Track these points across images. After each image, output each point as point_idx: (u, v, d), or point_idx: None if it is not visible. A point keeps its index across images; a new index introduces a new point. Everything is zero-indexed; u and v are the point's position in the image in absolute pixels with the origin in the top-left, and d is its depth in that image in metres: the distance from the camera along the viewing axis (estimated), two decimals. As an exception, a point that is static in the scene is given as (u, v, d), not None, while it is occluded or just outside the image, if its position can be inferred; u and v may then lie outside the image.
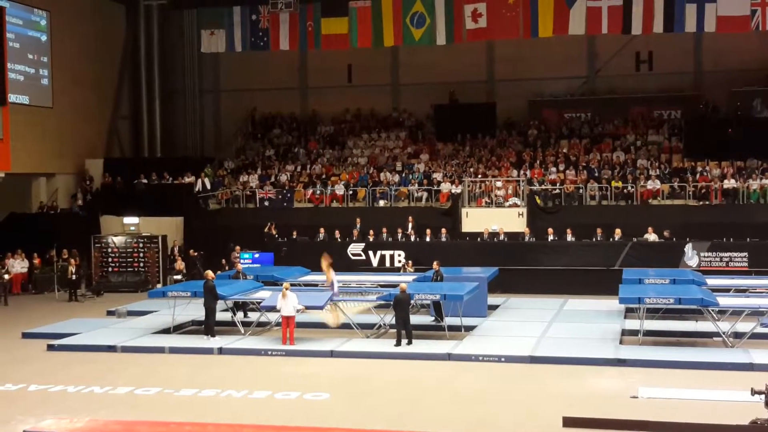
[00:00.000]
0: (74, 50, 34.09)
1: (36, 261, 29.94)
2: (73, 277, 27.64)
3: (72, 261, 27.91)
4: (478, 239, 28.27)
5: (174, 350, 19.11)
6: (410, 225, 29.03)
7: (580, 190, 29.56)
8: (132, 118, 38.16)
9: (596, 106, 34.54)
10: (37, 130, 31.92)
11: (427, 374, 16.92)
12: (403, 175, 32.11)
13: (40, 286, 29.48)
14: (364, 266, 27.73)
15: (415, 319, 20.26)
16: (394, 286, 20.58)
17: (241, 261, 26.91)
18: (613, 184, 29.49)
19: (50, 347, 19.55)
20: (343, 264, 27.55)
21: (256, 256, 28.49)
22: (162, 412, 14.21)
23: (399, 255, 27.78)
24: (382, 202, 31.09)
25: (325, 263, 20.97)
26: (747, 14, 28.46)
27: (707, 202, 28.44)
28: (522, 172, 30.81)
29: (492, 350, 18.12)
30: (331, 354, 18.43)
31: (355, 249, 28.32)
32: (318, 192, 31.70)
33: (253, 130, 37.76)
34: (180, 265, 28.50)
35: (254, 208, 31.83)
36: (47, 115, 32.70)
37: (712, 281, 22.22)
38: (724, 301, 19.19)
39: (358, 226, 29.20)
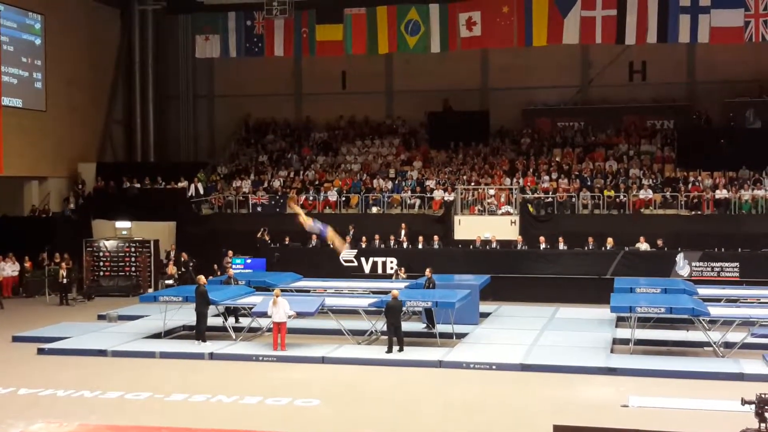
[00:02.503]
0: (68, 54, 34.03)
1: (27, 264, 29.81)
2: (64, 280, 27.56)
3: (63, 265, 27.83)
4: (471, 247, 28.29)
5: (165, 355, 19.06)
6: (403, 232, 29.03)
7: (573, 199, 29.61)
8: (125, 123, 38.12)
9: (589, 115, 34.61)
10: (29, 134, 31.84)
11: (418, 381, 16.92)
12: (396, 182, 32.13)
13: (31, 290, 29.33)
14: (356, 273, 27.70)
15: (406, 325, 20.27)
16: (386, 292, 20.60)
17: (233, 266, 26.87)
18: (606, 193, 29.56)
19: (40, 351, 19.48)
20: (336, 270, 27.60)
21: (248, 261, 28.46)
22: (152, 417, 14.19)
23: (391, 262, 27.75)
24: (375, 209, 31.09)
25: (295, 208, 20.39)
26: (740, 26, 28.61)
27: (699, 212, 28.53)
28: (515, 180, 30.86)
29: (483, 358, 18.14)
30: (323, 360, 18.41)
31: (347, 255, 28.30)
32: (311, 198, 31.69)
33: (246, 135, 37.75)
34: (172, 269, 28.46)
35: (247, 213, 31.79)
36: (40, 118, 32.63)
37: (704, 291, 22.28)
38: (715, 310, 19.23)
39: (351, 232, 29.18)
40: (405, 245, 28.76)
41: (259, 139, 37.04)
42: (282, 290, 20.26)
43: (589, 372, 17.14)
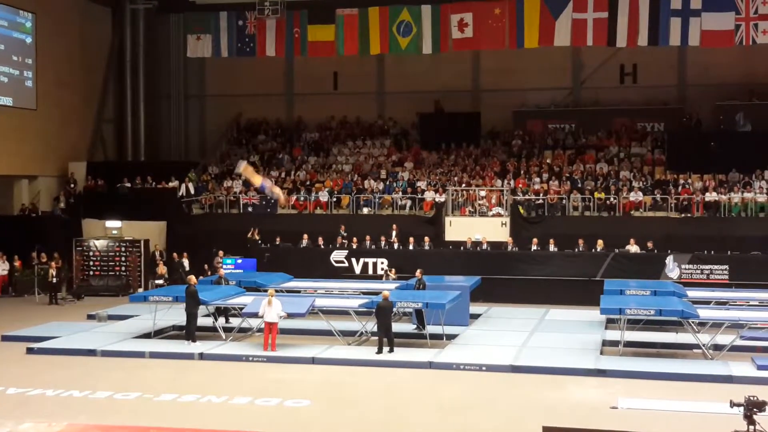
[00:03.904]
0: (59, 53, 33.94)
1: (17, 263, 29.72)
2: (54, 280, 27.46)
3: (53, 264, 27.73)
4: (461, 248, 28.30)
5: (154, 355, 19.03)
6: (394, 233, 29.04)
7: (564, 201, 29.67)
8: (116, 122, 38.02)
9: (580, 117, 34.67)
10: (20, 132, 31.75)
11: (408, 382, 16.93)
12: (388, 182, 32.13)
13: (21, 289, 29.21)
14: (346, 273, 27.71)
15: (397, 327, 20.27)
16: (377, 293, 20.60)
17: (224, 266, 26.84)
18: (596, 195, 29.62)
19: (29, 350, 19.43)
20: (326, 271, 27.61)
21: (239, 261, 28.41)
22: (141, 417, 14.18)
23: (382, 263, 27.75)
24: (365, 210, 31.09)
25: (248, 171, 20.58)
26: (731, 29, 28.72)
27: (689, 215, 28.62)
28: (506, 181, 30.89)
29: (473, 359, 18.16)
30: (313, 361, 18.41)
31: (338, 256, 28.30)
32: (302, 198, 31.67)
33: (238, 135, 37.70)
34: (162, 269, 28.40)
35: (238, 213, 31.76)
36: (31, 117, 32.53)
37: (693, 293, 22.33)
38: (704, 313, 19.31)
39: (343, 232, 29.17)
40: (396, 246, 28.76)
41: (251, 139, 36.99)
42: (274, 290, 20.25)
43: (578, 374, 17.18)
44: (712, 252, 26.52)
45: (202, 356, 18.90)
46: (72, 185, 33.73)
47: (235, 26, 32.97)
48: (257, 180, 20.51)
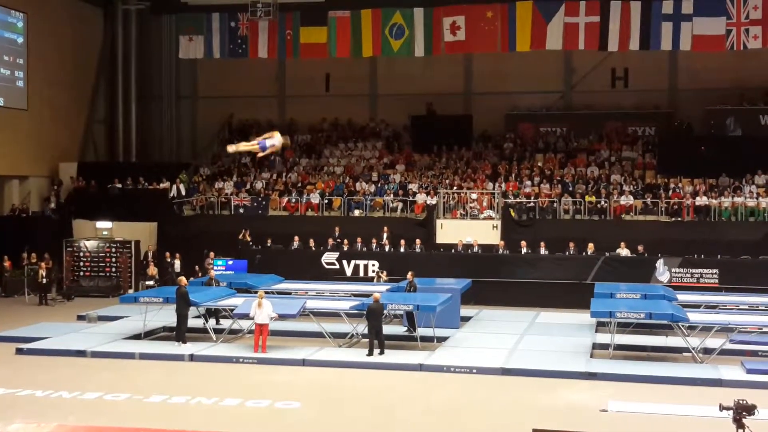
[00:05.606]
0: (51, 53, 33.84)
1: (7, 264, 29.61)
2: (44, 280, 27.37)
3: (42, 264, 27.64)
4: (452, 251, 28.31)
5: (144, 356, 19.00)
6: (385, 235, 29.03)
7: (555, 204, 29.72)
8: (108, 122, 37.93)
9: (572, 121, 34.74)
10: (11, 132, 31.65)
11: (398, 385, 16.94)
12: (379, 185, 32.14)
13: (10, 290, 29.09)
14: (338, 275, 27.68)
15: (387, 329, 20.27)
16: (368, 295, 20.60)
17: (215, 268, 26.80)
18: (587, 198, 29.68)
19: (19, 351, 19.37)
20: (317, 273, 27.58)
21: (230, 263, 28.37)
22: (131, 418, 14.15)
23: (373, 265, 27.75)
24: (357, 212, 31.08)
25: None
26: (722, 34, 28.87)
27: (679, 219, 28.71)
28: (497, 184, 30.93)
29: (464, 362, 18.17)
30: (303, 363, 18.40)
31: (329, 258, 28.29)
32: (293, 200, 31.65)
33: (229, 136, 37.58)
34: (153, 270, 28.34)
35: (229, 215, 31.71)
36: (22, 117, 32.44)
37: (683, 297, 22.38)
38: (694, 316, 19.33)
39: (338, 233, 29.15)
40: (387, 248, 28.75)
41: (242, 141, 36.86)
42: (264, 292, 20.23)
43: (569, 376, 17.20)
44: (702, 256, 26.58)
45: (192, 358, 18.87)
46: (56, 187, 33.59)
47: (228, 27, 32.95)
48: (253, 146, 19.85)
